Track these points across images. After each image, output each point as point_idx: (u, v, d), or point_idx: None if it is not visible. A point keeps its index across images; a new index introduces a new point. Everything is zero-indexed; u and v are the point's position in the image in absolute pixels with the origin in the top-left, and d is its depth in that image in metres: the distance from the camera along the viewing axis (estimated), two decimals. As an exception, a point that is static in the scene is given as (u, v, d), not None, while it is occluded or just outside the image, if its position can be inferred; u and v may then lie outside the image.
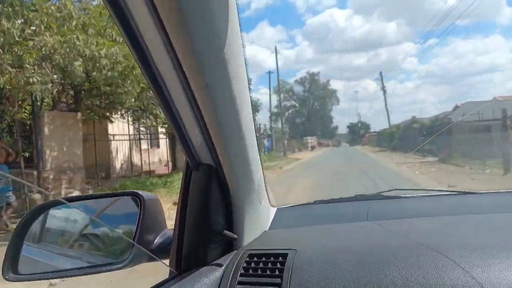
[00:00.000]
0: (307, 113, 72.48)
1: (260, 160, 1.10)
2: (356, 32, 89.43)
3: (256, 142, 1.03)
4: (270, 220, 1.29)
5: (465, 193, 1.43)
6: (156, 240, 1.05)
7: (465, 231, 1.04)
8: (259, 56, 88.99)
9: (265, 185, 1.25)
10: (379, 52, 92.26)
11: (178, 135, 0.88)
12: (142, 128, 14.54)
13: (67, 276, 1.04)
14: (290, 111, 74.31)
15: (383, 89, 47.69)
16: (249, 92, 0.88)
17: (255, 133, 1.00)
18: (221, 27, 0.69)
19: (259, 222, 1.16)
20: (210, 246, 0.99)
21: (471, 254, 0.82)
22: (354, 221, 1.23)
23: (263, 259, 0.96)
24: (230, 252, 1.03)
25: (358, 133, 70.57)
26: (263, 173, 1.15)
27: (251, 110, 0.91)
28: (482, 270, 0.76)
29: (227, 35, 0.70)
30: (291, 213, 1.42)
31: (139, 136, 14.99)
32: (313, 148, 54.61)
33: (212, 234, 0.99)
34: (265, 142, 28.52)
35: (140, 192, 1.03)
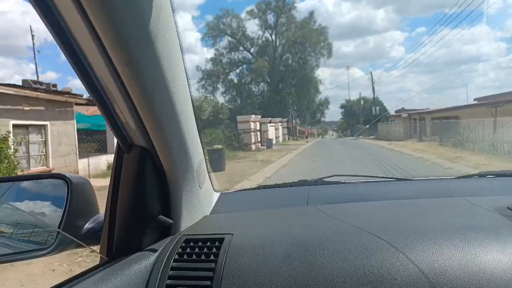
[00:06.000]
0: (270, 73, 35.32)
1: (201, 142, 1.06)
2: (344, 19, 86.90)
3: (195, 123, 0.99)
4: (212, 205, 1.26)
5: (399, 179, 1.51)
6: (86, 226, 0.98)
7: (400, 215, 1.07)
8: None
9: (208, 169, 1.22)
10: (367, 40, 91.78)
11: (105, 115, 0.82)
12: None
13: None
14: (238, 70, 36.75)
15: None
16: (185, 68, 0.83)
17: (194, 113, 0.96)
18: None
19: (199, 207, 1.13)
20: (144, 232, 0.95)
21: (408, 237, 0.84)
22: (294, 206, 1.24)
23: (199, 244, 0.93)
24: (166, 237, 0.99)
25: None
26: (204, 156, 1.12)
27: (188, 88, 0.86)
28: (419, 253, 0.78)
29: (152, 8, 0.65)
30: (234, 198, 1.40)
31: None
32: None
33: (146, 219, 0.94)
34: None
35: (67, 175, 0.95)
